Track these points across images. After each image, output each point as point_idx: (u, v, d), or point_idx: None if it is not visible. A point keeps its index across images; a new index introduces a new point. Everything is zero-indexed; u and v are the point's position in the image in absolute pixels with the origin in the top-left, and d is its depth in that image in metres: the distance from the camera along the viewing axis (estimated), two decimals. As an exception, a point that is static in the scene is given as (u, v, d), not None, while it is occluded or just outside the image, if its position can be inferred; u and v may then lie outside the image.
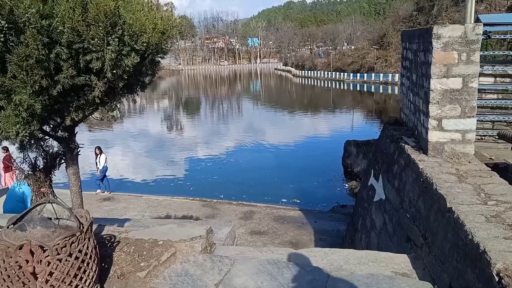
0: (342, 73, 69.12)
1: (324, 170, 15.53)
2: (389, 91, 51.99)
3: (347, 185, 12.97)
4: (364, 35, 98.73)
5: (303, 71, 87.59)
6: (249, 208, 10.82)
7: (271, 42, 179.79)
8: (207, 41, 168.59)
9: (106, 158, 12.36)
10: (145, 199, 11.86)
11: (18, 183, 8.34)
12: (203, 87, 77.76)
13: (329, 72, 73.38)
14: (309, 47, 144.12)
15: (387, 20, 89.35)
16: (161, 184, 14.45)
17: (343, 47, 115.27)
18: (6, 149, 12.05)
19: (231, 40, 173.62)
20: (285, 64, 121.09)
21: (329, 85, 64.44)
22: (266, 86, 75.69)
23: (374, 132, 25.64)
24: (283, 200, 12.16)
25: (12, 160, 12.60)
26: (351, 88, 59.22)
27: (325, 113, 35.64)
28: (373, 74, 61.29)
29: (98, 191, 12.55)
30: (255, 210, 10.55)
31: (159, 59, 4.45)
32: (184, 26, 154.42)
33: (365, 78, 62.24)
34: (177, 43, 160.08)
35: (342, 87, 60.77)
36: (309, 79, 78.19)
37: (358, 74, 64.83)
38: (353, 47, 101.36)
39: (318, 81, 73.33)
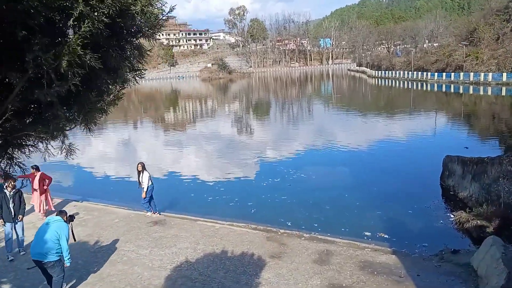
0: (424, 73, 63.28)
1: (418, 191, 12.60)
2: (481, 92, 46.04)
3: (452, 216, 10.01)
4: (449, 31, 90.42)
5: (379, 72, 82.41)
6: (325, 245, 8.49)
7: (344, 42, 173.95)
8: (278, 43, 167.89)
9: (150, 176, 10.77)
10: (199, 225, 10.08)
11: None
12: (273, 90, 76.30)
13: (410, 72, 67.74)
14: (386, 45, 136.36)
15: (475, 14, 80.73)
16: (220, 203, 12.62)
17: (425, 45, 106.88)
18: (36, 167, 10.98)
19: (303, 42, 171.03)
20: (359, 65, 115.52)
21: (410, 86, 59.27)
22: (339, 87, 71.98)
23: (472, 141, 21.96)
24: (367, 233, 9.61)
25: (47, 181, 11.52)
26: (436, 89, 53.70)
27: (407, 117, 31.86)
28: (461, 74, 55.04)
29: (148, 214, 11.03)
30: (333, 250, 8.20)
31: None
32: (256, 29, 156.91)
33: (452, 78, 56.14)
34: (248, 46, 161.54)
35: (425, 88, 55.43)
36: (386, 80, 73.09)
37: (444, 74, 58.75)
38: (435, 44, 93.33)
39: (397, 81, 68.13)
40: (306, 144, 22.37)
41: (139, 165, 10.76)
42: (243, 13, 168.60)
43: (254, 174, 16.16)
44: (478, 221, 8.73)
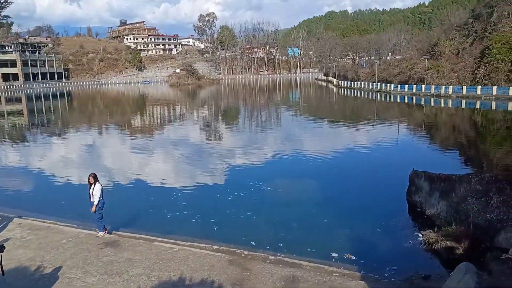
0: (388, 84, 64.86)
1: (385, 207, 12.37)
2: (442, 104, 47.58)
3: (421, 236, 9.75)
4: (411, 44, 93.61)
5: (345, 82, 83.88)
6: (291, 270, 7.92)
7: (311, 52, 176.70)
8: (247, 51, 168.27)
9: (102, 188, 9.89)
10: (156, 246, 9.27)
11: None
12: (242, 96, 75.97)
13: (374, 83, 69.27)
14: (352, 57, 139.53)
15: (436, 29, 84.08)
16: (180, 219, 11.84)
17: (388, 57, 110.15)
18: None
19: (271, 50, 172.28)
20: (326, 74, 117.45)
21: (374, 97, 60.50)
22: (306, 96, 72.72)
23: (433, 151, 22.36)
24: (334, 255, 9.15)
25: None
26: (398, 100, 55.01)
27: (372, 127, 32.32)
28: (423, 86, 56.79)
29: (100, 233, 10.10)
30: (299, 276, 7.64)
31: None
32: (225, 36, 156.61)
33: (414, 90, 57.80)
34: (217, 52, 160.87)
35: (388, 99, 56.70)
36: (352, 90, 74.44)
37: (406, 86, 60.40)
38: (398, 57, 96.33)
39: (362, 92, 69.48)
40: (274, 153, 22.14)
41: (91, 176, 9.85)
42: (213, 20, 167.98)
43: (219, 186, 15.50)
44: (447, 242, 8.48)
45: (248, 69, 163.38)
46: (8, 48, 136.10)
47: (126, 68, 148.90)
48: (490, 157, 20.51)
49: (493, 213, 8.36)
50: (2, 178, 18.46)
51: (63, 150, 25.93)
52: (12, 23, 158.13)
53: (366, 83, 73.15)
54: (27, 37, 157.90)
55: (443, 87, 53.28)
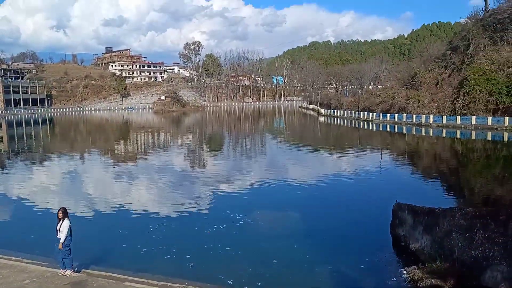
0: (370, 113, 65.85)
1: (368, 241, 12.03)
2: (423, 133, 48.29)
3: (405, 272, 9.40)
4: (392, 74, 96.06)
5: (328, 110, 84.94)
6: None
7: (295, 81, 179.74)
8: (232, 78, 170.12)
9: (70, 225, 9.31)
10: (126, 287, 8.66)
11: None
12: (226, 124, 76.00)
13: (357, 112, 70.26)
14: (335, 85, 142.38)
15: (415, 60, 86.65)
16: (155, 255, 11.24)
17: (370, 86, 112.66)
18: None
19: (256, 78, 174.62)
20: (310, 103, 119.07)
21: (357, 125, 61.16)
22: (290, 124, 73.20)
23: (415, 180, 22.37)
24: (318, 294, 8.71)
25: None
26: (381, 128, 55.69)
27: (354, 155, 32.42)
28: (404, 115, 57.77)
29: (68, 272, 9.42)
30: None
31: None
32: (211, 64, 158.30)
33: (396, 119, 58.72)
34: (203, 80, 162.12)
35: (370, 127, 57.36)
36: (335, 118, 75.29)
37: (388, 115, 61.40)
38: (380, 86, 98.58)
39: (345, 120, 70.30)
40: (257, 181, 21.99)
41: (60, 211, 9.29)
42: (199, 48, 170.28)
43: (199, 218, 14.97)
44: (432, 279, 8.16)
45: (233, 96, 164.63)
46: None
47: (111, 95, 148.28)
48: (471, 187, 20.57)
49: (478, 250, 8.12)
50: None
51: (41, 178, 25.15)
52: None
53: (349, 111, 74.17)
54: (10, 63, 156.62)
55: (424, 116, 54.27)
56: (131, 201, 18.20)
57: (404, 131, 50.77)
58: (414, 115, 55.83)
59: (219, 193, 19.21)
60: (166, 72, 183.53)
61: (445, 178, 23.38)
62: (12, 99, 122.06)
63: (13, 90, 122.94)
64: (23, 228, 14.48)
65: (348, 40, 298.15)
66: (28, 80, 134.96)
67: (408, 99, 59.36)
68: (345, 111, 75.81)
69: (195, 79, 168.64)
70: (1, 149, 43.53)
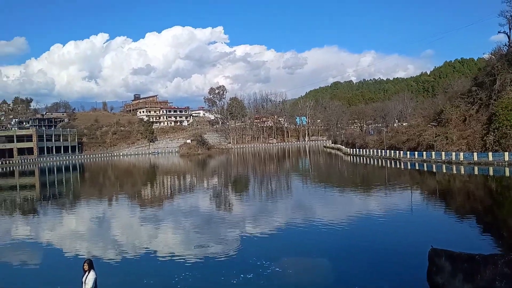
0: (397, 151, 64.70)
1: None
2: (454, 171, 46.73)
3: (447, 325, 8.77)
4: (417, 111, 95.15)
5: (353, 149, 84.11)
6: None
7: (319, 121, 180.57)
8: (256, 120, 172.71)
9: (96, 277, 9.27)
10: None
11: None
12: (251, 165, 76.18)
13: (383, 150, 69.23)
14: (359, 124, 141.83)
15: (440, 97, 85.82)
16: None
17: (395, 124, 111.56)
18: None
19: (280, 119, 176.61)
20: (335, 142, 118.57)
21: (384, 164, 60.01)
22: (316, 164, 72.60)
23: (449, 219, 21.37)
24: None
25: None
26: (409, 166, 54.38)
27: (384, 195, 31.49)
28: (433, 153, 56.41)
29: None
30: None
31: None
32: (235, 107, 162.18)
33: (424, 157, 57.37)
34: (227, 122, 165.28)
35: (398, 166, 56.12)
36: (361, 157, 74.27)
37: (416, 152, 60.13)
38: (405, 124, 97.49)
39: (371, 159, 69.23)
40: (284, 223, 21.67)
41: (85, 263, 9.30)
42: (223, 92, 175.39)
43: (224, 265, 14.64)
44: (477, 334, 7.54)
45: (257, 138, 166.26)
46: (26, 124, 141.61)
47: (138, 140, 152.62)
48: (509, 227, 19.47)
49: (526, 300, 7.52)
50: (7, 253, 18.05)
51: (70, 224, 25.68)
52: (31, 100, 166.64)
53: (375, 150, 73.22)
54: (44, 113, 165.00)
55: (453, 153, 52.84)
56: (157, 246, 18.22)
57: (434, 169, 49.36)
58: (443, 153, 54.44)
59: (245, 237, 18.91)
60: (191, 116, 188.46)
61: (481, 218, 22.28)
62: (45, 147, 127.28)
63: (46, 139, 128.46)
64: (50, 278, 14.55)
65: (370, 79, 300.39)
66: (60, 129, 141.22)
67: (435, 136, 58.20)
68: (371, 150, 74.89)
69: (220, 122, 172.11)
70: (33, 196, 44.89)
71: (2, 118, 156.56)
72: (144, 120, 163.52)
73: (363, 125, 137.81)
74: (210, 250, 16.70)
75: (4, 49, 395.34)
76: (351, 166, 62.53)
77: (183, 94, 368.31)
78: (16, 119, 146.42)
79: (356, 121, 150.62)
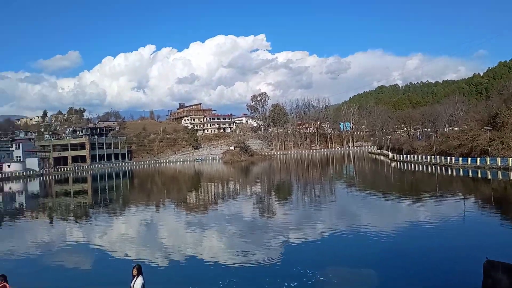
0: (448, 157, 61.68)
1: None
2: (511, 177, 43.70)
3: None
4: (470, 115, 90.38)
5: (400, 155, 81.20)
6: None
7: (363, 126, 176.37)
8: (298, 126, 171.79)
9: (143, 283, 9.53)
10: None
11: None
12: (294, 171, 75.72)
13: (432, 156, 66.29)
14: (406, 129, 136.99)
15: (495, 99, 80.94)
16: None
17: (445, 129, 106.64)
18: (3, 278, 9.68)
19: (323, 125, 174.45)
20: (380, 148, 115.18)
21: (434, 170, 57.38)
22: (361, 170, 70.83)
23: (506, 231, 19.95)
24: None
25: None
26: (461, 173, 51.61)
27: (434, 202, 30.05)
28: (487, 158, 53.19)
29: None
30: None
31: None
32: (277, 114, 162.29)
33: (478, 163, 54.23)
34: (269, 129, 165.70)
35: (449, 173, 53.42)
36: (409, 163, 71.52)
37: (469, 158, 56.95)
38: (456, 128, 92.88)
39: (419, 165, 66.44)
40: (328, 231, 21.26)
41: (134, 268, 9.62)
42: (265, 99, 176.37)
43: (268, 274, 14.57)
44: None
45: (300, 144, 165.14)
46: (79, 133, 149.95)
47: (183, 147, 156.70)
48: None
49: None
50: (62, 255, 19.11)
51: (120, 228, 26.88)
52: (84, 110, 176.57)
53: (424, 156, 70.26)
54: (96, 122, 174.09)
55: (510, 159, 49.57)
56: (202, 251, 18.56)
57: (489, 176, 46.52)
58: (499, 158, 51.21)
59: (288, 244, 18.77)
60: (234, 123, 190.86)
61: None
62: (97, 155, 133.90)
63: (98, 147, 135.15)
64: (100, 280, 15.18)
65: (417, 82, 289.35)
66: (111, 137, 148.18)
67: (490, 141, 54.90)
68: (419, 156, 71.97)
69: (262, 129, 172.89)
70: (86, 202, 47.30)
71: (58, 127, 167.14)
72: (189, 127, 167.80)
73: (410, 130, 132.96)
74: (254, 257, 16.74)
75: (60, 62, 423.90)
76: (398, 173, 60.37)
77: (226, 102, 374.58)
78: (71, 129, 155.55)
79: (402, 126, 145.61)
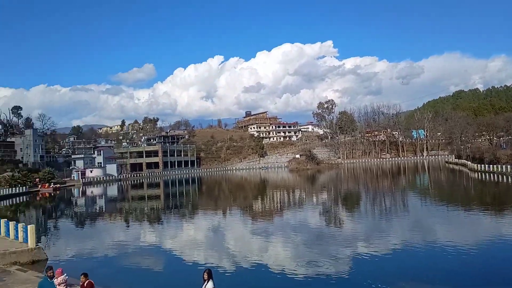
0: (539, 168, 55.50)
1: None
2: None
3: None
4: None
5: (482, 165, 74.68)
6: None
7: (439, 134, 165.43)
8: (367, 134, 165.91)
9: (214, 287, 9.55)
10: None
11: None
12: (363, 181, 73.08)
13: (519, 166, 60.08)
14: (488, 137, 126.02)
15: None
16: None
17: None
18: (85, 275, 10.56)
19: (394, 133, 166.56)
20: (458, 157, 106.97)
21: (523, 183, 51.93)
22: (436, 181, 66.19)
23: None
24: None
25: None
26: (556, 186, 46.12)
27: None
28: None
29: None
30: None
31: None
32: (344, 121, 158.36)
33: None
34: (336, 137, 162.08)
35: (541, 185, 48.02)
36: (491, 174, 65.49)
37: None
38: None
39: (504, 176, 60.50)
40: (400, 244, 20.06)
41: (205, 273, 9.75)
42: (332, 106, 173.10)
43: (337, 286, 14.01)
44: None
45: (369, 152, 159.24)
46: (153, 141, 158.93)
47: (249, 154, 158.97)
48: None
49: None
50: (136, 257, 20.16)
51: (189, 232, 27.86)
52: (157, 119, 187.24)
53: (508, 166, 63.94)
54: (168, 130, 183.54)
55: None
56: (269, 259, 18.49)
57: None
58: None
59: (358, 256, 17.96)
60: (300, 131, 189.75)
61: None
62: (169, 162, 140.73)
63: (169, 154, 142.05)
64: (172, 282, 15.67)
65: (501, 86, 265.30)
66: (181, 145, 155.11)
67: None
68: (503, 166, 65.65)
69: (329, 137, 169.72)
70: (159, 206, 49.75)
71: (134, 136, 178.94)
72: (255, 135, 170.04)
73: (493, 138, 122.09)
74: (321, 268, 16.23)
75: (136, 75, 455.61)
76: (479, 184, 55.46)
77: (291, 110, 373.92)
78: (145, 137, 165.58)
79: (484, 133, 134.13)
